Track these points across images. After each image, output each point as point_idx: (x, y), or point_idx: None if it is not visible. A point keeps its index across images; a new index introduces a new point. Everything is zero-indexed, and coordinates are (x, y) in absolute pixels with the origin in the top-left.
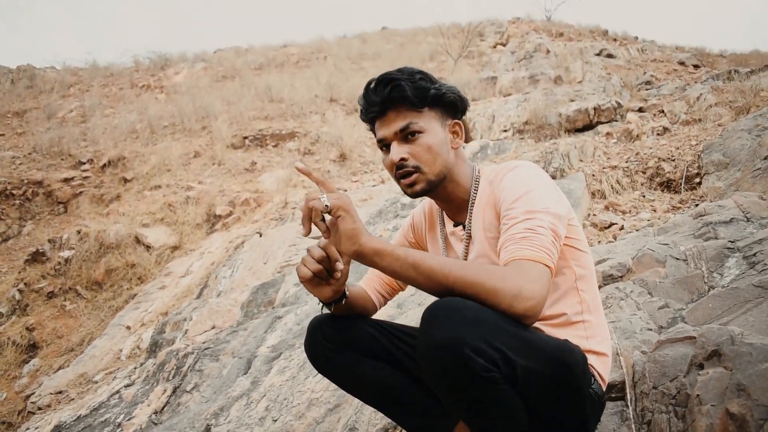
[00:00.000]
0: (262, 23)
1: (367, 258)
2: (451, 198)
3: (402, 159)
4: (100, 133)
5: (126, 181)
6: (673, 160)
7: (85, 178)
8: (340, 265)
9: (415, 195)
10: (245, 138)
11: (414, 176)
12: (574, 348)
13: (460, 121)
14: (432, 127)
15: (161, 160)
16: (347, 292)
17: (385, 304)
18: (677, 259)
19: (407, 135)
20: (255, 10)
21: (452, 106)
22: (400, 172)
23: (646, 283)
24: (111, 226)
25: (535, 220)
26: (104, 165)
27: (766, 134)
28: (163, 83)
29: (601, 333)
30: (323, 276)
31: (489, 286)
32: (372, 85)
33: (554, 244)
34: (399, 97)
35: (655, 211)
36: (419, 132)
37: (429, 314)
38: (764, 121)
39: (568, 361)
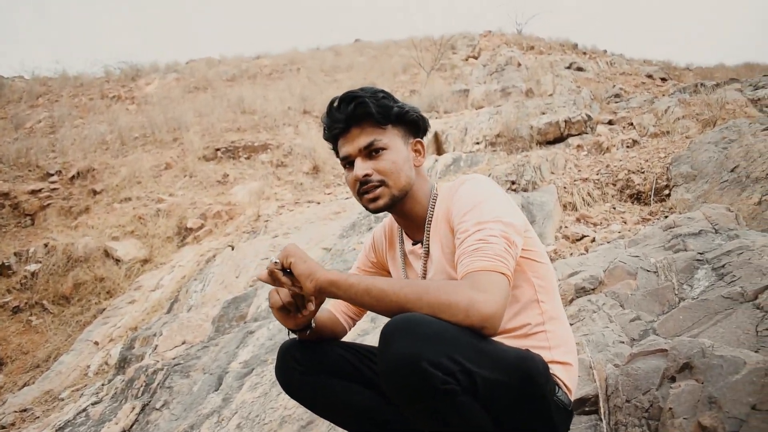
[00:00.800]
0: (234, 34)
1: (326, 291)
2: (410, 215)
3: (366, 174)
4: (69, 144)
5: (95, 193)
6: (643, 173)
7: (53, 189)
8: (311, 306)
9: (377, 210)
10: (217, 150)
11: (378, 190)
12: (535, 356)
13: (421, 140)
14: (396, 143)
15: (131, 171)
16: (313, 324)
17: (354, 325)
18: (648, 271)
19: (371, 152)
20: (228, 21)
21: (414, 124)
22: (365, 187)
23: (617, 296)
24: (79, 239)
25: (485, 230)
26: (73, 177)
27: (732, 147)
28: (134, 94)
29: (564, 343)
30: (292, 308)
31: (441, 300)
32: (336, 103)
33: (508, 251)
34: (363, 113)
35: (625, 222)
36: (383, 148)
37: (386, 331)
38: (730, 133)
39: (530, 370)
